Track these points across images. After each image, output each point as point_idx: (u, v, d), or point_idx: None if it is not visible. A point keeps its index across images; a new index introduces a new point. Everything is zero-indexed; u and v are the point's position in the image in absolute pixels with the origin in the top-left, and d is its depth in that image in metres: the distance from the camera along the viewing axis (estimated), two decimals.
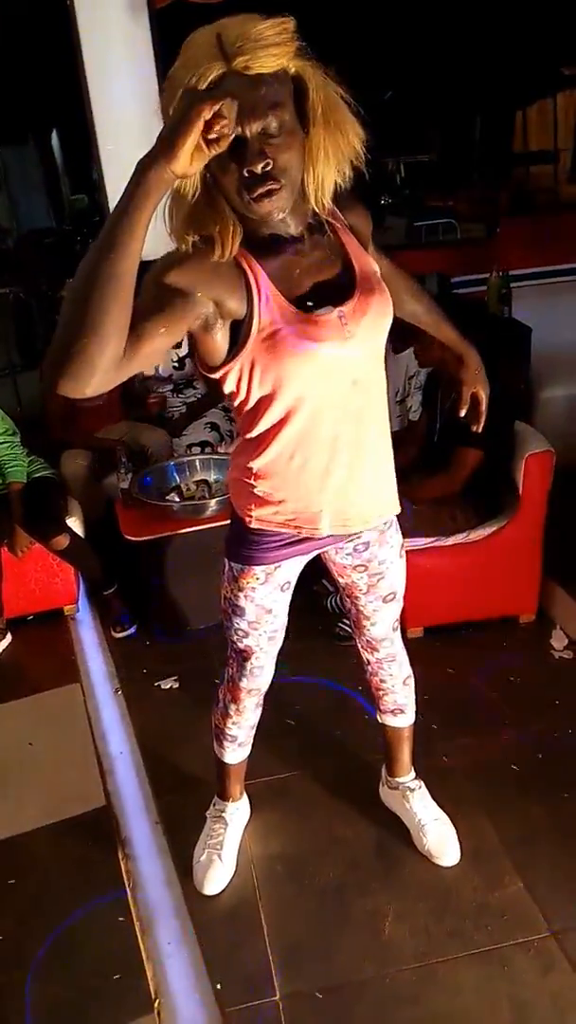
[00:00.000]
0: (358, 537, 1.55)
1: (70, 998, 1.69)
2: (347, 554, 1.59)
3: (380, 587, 1.65)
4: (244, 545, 1.51)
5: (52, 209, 12.22)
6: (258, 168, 1.10)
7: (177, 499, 2.87)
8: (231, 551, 1.55)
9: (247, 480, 1.44)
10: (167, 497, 2.88)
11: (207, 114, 0.96)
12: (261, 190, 1.11)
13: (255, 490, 1.43)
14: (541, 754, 2.19)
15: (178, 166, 0.98)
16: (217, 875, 1.88)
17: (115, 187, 3.65)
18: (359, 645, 1.81)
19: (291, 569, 1.57)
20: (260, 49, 1.04)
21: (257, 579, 1.54)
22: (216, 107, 0.96)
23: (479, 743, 2.25)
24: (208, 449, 3.28)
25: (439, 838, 1.90)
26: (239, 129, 1.06)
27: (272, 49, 1.05)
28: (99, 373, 1.01)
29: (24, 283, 6.20)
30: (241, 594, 1.56)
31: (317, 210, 1.23)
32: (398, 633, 1.79)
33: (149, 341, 1.09)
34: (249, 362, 1.26)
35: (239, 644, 1.65)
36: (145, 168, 0.98)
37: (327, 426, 1.35)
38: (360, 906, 1.82)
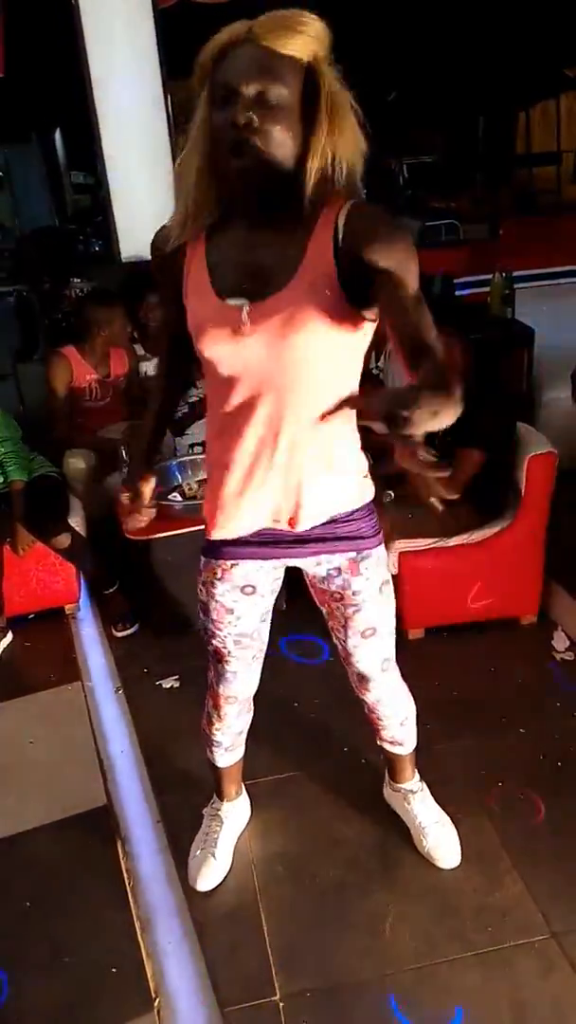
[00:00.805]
0: (324, 556, 1.50)
1: (70, 997, 1.69)
2: (322, 578, 1.56)
3: (357, 621, 1.59)
4: (206, 539, 1.53)
5: (55, 208, 12.21)
6: (240, 119, 1.13)
7: (179, 498, 2.87)
8: (202, 547, 1.57)
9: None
10: (169, 496, 2.88)
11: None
12: (239, 137, 1.14)
13: (207, 476, 1.50)
14: (542, 755, 2.19)
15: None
16: (210, 872, 1.88)
17: (118, 186, 3.66)
18: (351, 681, 1.76)
19: (251, 573, 1.54)
20: (280, 28, 1.13)
21: (215, 574, 1.54)
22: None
23: (480, 744, 2.25)
24: None
25: (440, 840, 1.90)
26: (234, 83, 1.13)
27: (291, 33, 1.13)
28: None
29: (27, 282, 6.20)
30: (204, 588, 1.58)
31: (304, 200, 1.20)
32: (389, 674, 1.72)
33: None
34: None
35: (210, 645, 1.65)
36: None
37: (243, 419, 1.34)
38: (360, 907, 1.82)
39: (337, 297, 1.23)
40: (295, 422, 1.33)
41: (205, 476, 2.89)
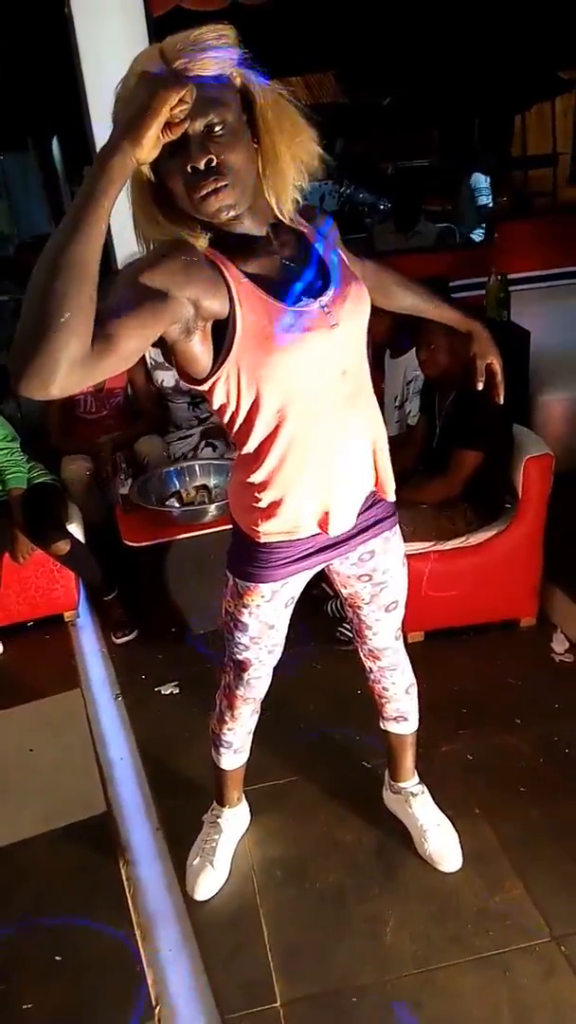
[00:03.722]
0: (364, 545, 1.54)
1: (71, 1005, 1.69)
2: (352, 564, 1.57)
3: (382, 597, 1.64)
4: (251, 563, 1.49)
5: (53, 215, 12.23)
6: (200, 163, 1.08)
7: (177, 505, 2.88)
8: (236, 568, 1.52)
9: (250, 494, 1.40)
10: (167, 503, 2.88)
11: (174, 99, 0.96)
12: (207, 188, 1.10)
13: (259, 503, 1.40)
14: (542, 758, 2.19)
15: (142, 152, 0.98)
16: (208, 881, 1.88)
17: None
18: (361, 653, 1.81)
19: (297, 585, 1.56)
20: (199, 52, 1.05)
21: (263, 596, 1.52)
22: (181, 92, 0.97)
23: (480, 747, 2.25)
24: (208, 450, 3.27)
25: (441, 843, 1.90)
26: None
27: (210, 52, 1.06)
28: (63, 369, 0.94)
29: (24, 289, 6.20)
30: (245, 610, 1.55)
31: (279, 215, 1.22)
32: (400, 642, 1.78)
33: (122, 341, 1.03)
34: (236, 367, 1.23)
35: (238, 656, 1.65)
36: (108, 155, 0.96)
37: (322, 420, 1.34)
38: (361, 911, 1.82)
39: (359, 281, 1.34)
40: (366, 402, 1.40)
41: (203, 484, 2.95)
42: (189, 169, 1.09)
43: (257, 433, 1.32)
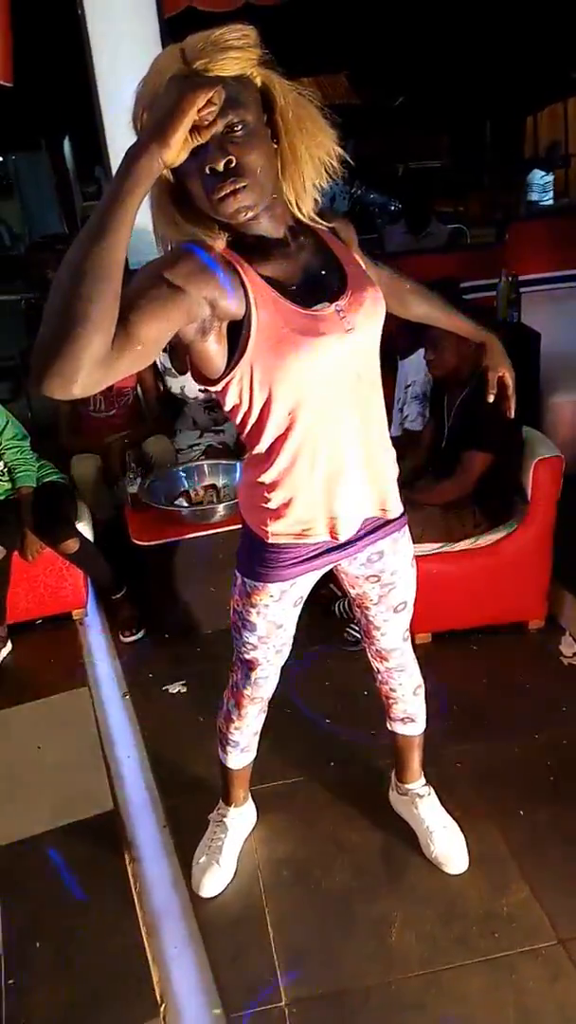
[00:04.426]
0: (372, 545, 1.54)
1: (76, 1001, 1.69)
2: (361, 564, 1.57)
3: (391, 598, 1.64)
4: (259, 562, 1.49)
5: (64, 215, 12.27)
6: (219, 164, 1.08)
7: (185, 504, 2.88)
8: (245, 567, 1.53)
9: (260, 494, 1.41)
10: (175, 502, 2.89)
11: (202, 101, 0.97)
12: (226, 189, 1.10)
13: (269, 504, 1.40)
14: (550, 761, 2.18)
15: (169, 154, 0.98)
16: (214, 879, 1.89)
17: None
18: (369, 654, 1.80)
19: (305, 585, 1.56)
20: (219, 52, 1.05)
21: (271, 596, 1.52)
22: (210, 94, 0.97)
23: (487, 750, 2.24)
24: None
25: (447, 845, 1.90)
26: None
27: (232, 52, 1.06)
28: (86, 368, 0.96)
29: (36, 289, 6.23)
30: (253, 610, 1.55)
31: (299, 215, 1.23)
32: (408, 643, 1.78)
33: (139, 338, 1.04)
34: (249, 368, 1.23)
35: (246, 655, 1.65)
36: (136, 156, 0.97)
37: (334, 425, 1.34)
38: (366, 912, 1.82)
39: (375, 286, 1.33)
40: (378, 408, 1.40)
41: (211, 483, 2.95)
42: (208, 170, 1.09)
43: (268, 434, 1.32)
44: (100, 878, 1.97)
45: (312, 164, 1.17)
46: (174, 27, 3.38)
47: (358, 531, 1.49)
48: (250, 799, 2.03)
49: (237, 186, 1.10)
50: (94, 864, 2.01)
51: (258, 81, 1.12)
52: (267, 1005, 1.64)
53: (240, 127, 1.08)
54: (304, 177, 1.18)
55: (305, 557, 1.48)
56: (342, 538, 1.45)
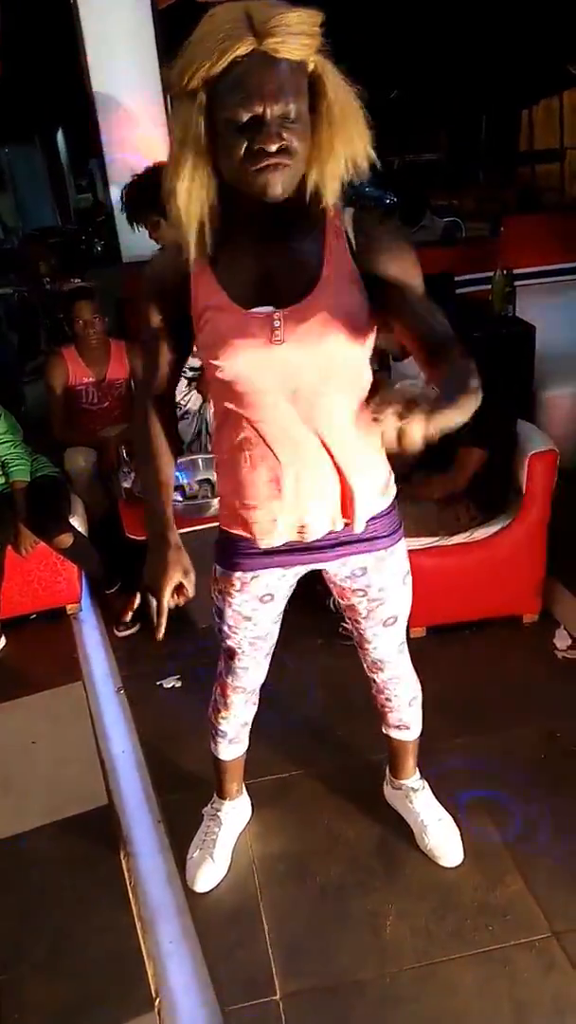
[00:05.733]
0: (354, 558, 1.51)
1: (71, 997, 1.69)
2: (345, 576, 1.56)
3: (379, 612, 1.61)
4: (224, 550, 1.53)
5: (57, 208, 12.23)
6: (272, 147, 1.09)
7: (180, 498, 2.87)
8: (216, 554, 1.57)
9: (218, 481, 1.49)
10: None
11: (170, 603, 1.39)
12: (270, 162, 1.10)
13: (220, 491, 1.48)
14: (544, 754, 2.19)
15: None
16: (208, 874, 1.89)
17: (119, 186, 3.66)
18: (364, 665, 1.79)
19: (272, 582, 1.54)
20: (292, 35, 1.05)
21: (233, 586, 1.54)
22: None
23: (481, 743, 2.25)
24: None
25: (442, 838, 1.90)
26: (259, 109, 1.07)
27: (303, 38, 1.06)
28: None
29: (29, 283, 6.21)
30: (221, 596, 1.58)
31: (323, 206, 1.20)
32: (404, 655, 1.76)
33: (166, 385, 1.40)
34: (200, 350, 1.31)
35: (224, 642, 1.67)
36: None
37: (278, 432, 1.32)
38: (361, 905, 1.82)
39: (362, 297, 1.25)
40: (328, 427, 1.32)
41: (206, 478, 2.94)
42: (256, 147, 1.09)
43: (216, 421, 1.39)
44: (94, 874, 1.97)
45: (343, 162, 1.16)
46: (168, 19, 3.36)
47: (328, 539, 1.46)
48: (244, 793, 2.03)
49: (279, 165, 1.11)
50: (88, 860, 2.01)
51: (311, 67, 1.11)
52: (262, 999, 1.64)
53: (295, 114, 1.09)
54: (333, 173, 1.17)
55: (263, 552, 1.48)
56: (272, 544, 1.45)
